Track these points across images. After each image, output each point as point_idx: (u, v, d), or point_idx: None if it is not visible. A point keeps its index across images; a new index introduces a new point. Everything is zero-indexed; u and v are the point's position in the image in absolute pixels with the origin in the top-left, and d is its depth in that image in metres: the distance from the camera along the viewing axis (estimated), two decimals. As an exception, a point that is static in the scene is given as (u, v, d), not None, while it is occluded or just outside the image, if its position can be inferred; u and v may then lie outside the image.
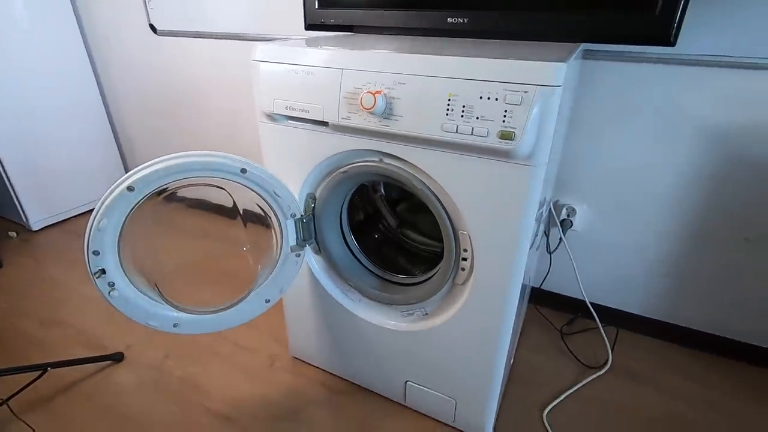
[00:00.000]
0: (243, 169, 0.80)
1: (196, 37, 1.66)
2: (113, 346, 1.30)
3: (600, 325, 1.29)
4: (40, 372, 1.11)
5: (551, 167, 0.90)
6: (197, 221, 1.81)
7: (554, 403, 1.11)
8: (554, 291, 1.43)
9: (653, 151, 1.13)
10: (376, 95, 0.72)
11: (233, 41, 1.60)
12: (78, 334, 1.35)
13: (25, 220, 1.88)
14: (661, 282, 1.26)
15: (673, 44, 0.83)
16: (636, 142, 1.14)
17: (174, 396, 1.14)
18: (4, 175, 1.77)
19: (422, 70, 0.70)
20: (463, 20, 0.98)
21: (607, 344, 1.28)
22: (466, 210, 0.77)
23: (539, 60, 0.63)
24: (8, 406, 1.06)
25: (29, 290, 1.55)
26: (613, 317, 1.35)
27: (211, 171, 0.79)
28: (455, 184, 0.76)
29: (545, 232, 1.33)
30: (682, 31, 0.94)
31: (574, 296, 1.39)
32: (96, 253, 0.76)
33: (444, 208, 0.80)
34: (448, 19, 0.99)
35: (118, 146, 2.16)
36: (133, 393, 1.15)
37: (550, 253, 1.36)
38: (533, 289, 1.44)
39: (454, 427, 1.05)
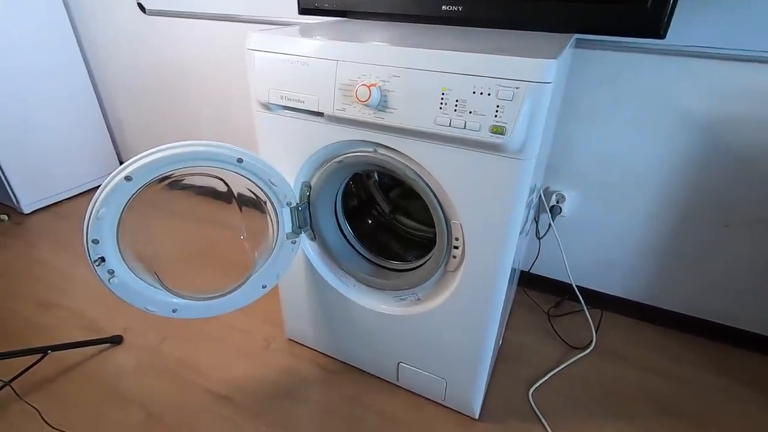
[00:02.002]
0: (239, 158, 0.82)
1: (186, 18, 1.63)
2: (110, 329, 1.33)
3: (585, 308, 1.34)
4: (41, 355, 1.13)
5: (542, 156, 0.93)
6: (195, 209, 1.81)
7: (540, 382, 1.17)
8: (542, 275, 1.48)
9: (641, 138, 1.15)
10: (371, 88, 0.73)
11: (225, 22, 1.57)
12: (75, 317, 1.37)
13: (16, 203, 1.87)
14: (643, 267, 1.31)
15: (663, 37, 0.84)
16: (625, 129, 1.16)
17: (174, 377, 1.18)
18: (-7, 158, 1.75)
19: (417, 63, 0.71)
20: (458, 8, 0.98)
21: (592, 326, 1.34)
22: (458, 201, 0.79)
23: (531, 55, 0.64)
24: (12, 388, 1.09)
25: (23, 274, 1.56)
26: (597, 300, 1.40)
27: (209, 161, 0.80)
28: (448, 176, 0.78)
29: (535, 218, 1.36)
30: (672, 23, 0.96)
31: (561, 280, 1.44)
32: (95, 241, 0.77)
33: (437, 198, 0.82)
34: (443, 7, 0.99)
35: (108, 128, 2.13)
36: (134, 375, 1.18)
37: (539, 238, 1.40)
38: (522, 272, 1.48)
39: (444, 405, 1.10)
